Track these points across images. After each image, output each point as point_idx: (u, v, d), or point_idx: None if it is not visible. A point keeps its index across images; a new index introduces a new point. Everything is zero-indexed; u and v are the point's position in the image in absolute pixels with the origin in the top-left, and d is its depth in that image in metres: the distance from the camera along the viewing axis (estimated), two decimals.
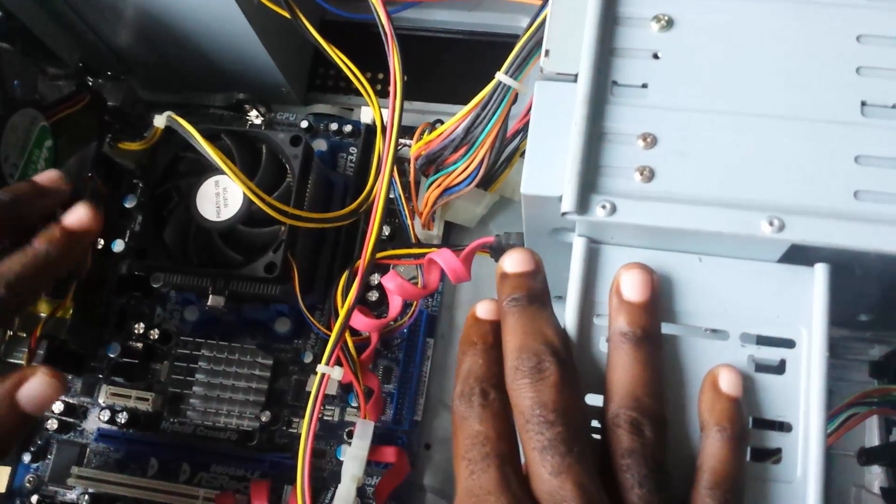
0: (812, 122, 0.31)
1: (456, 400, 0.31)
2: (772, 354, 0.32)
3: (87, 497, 0.49)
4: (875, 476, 0.46)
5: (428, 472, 0.50)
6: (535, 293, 0.32)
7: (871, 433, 0.47)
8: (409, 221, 0.49)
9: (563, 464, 0.28)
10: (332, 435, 0.50)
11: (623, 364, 0.30)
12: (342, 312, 0.41)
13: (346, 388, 0.50)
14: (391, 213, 0.52)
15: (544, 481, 0.28)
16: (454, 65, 0.58)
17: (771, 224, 0.30)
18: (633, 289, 0.31)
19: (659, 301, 0.32)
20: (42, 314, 0.49)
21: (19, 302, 0.38)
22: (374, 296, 0.51)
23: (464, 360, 0.31)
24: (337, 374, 0.41)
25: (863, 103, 0.31)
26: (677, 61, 0.33)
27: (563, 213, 0.31)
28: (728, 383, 0.30)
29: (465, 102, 0.43)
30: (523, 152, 0.48)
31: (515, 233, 0.42)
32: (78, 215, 0.40)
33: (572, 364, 0.30)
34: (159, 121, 0.46)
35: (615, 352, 0.31)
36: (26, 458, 0.51)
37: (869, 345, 0.47)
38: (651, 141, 0.32)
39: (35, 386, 0.37)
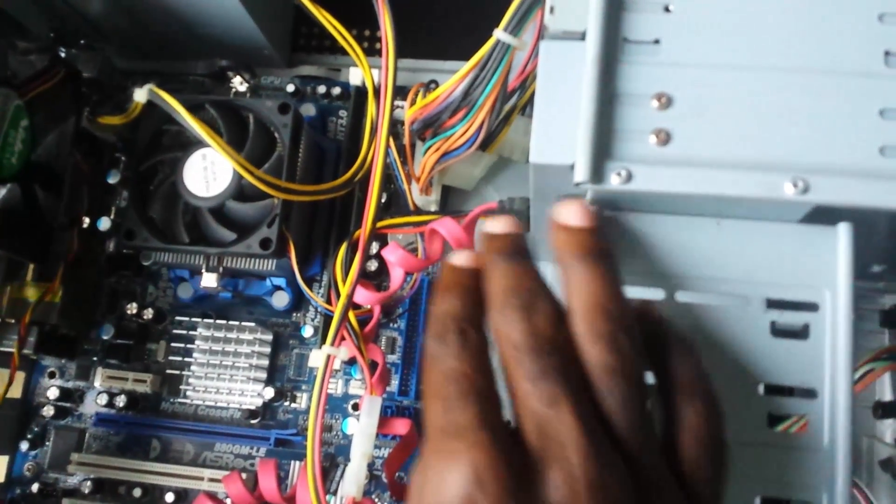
0: (833, 74, 0.30)
1: (428, 340, 0.27)
2: (795, 319, 0.31)
3: (89, 483, 0.48)
4: (887, 427, 0.46)
5: None
6: (522, 249, 0.29)
7: (881, 384, 0.47)
8: (405, 187, 0.47)
9: (559, 393, 0.25)
10: (337, 409, 0.49)
11: (579, 280, 0.27)
12: (344, 291, 0.40)
13: (349, 361, 0.48)
14: (387, 178, 0.50)
15: (536, 413, 0.25)
16: (445, 16, 0.55)
17: (795, 185, 0.28)
18: (573, 215, 0.29)
19: (605, 232, 0.29)
20: (30, 299, 0.47)
21: None
22: (373, 266, 0.50)
23: (438, 303, 0.28)
24: (343, 354, 0.40)
25: (886, 53, 0.30)
26: (691, 13, 0.31)
27: (577, 183, 0.29)
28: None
29: (460, 58, 0.41)
30: (522, 109, 0.46)
31: (519, 198, 0.41)
32: None
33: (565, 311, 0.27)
34: (140, 94, 0.44)
35: (567, 272, 0.28)
36: (24, 446, 0.50)
37: (880, 294, 0.46)
38: (666, 101, 0.30)
39: None
